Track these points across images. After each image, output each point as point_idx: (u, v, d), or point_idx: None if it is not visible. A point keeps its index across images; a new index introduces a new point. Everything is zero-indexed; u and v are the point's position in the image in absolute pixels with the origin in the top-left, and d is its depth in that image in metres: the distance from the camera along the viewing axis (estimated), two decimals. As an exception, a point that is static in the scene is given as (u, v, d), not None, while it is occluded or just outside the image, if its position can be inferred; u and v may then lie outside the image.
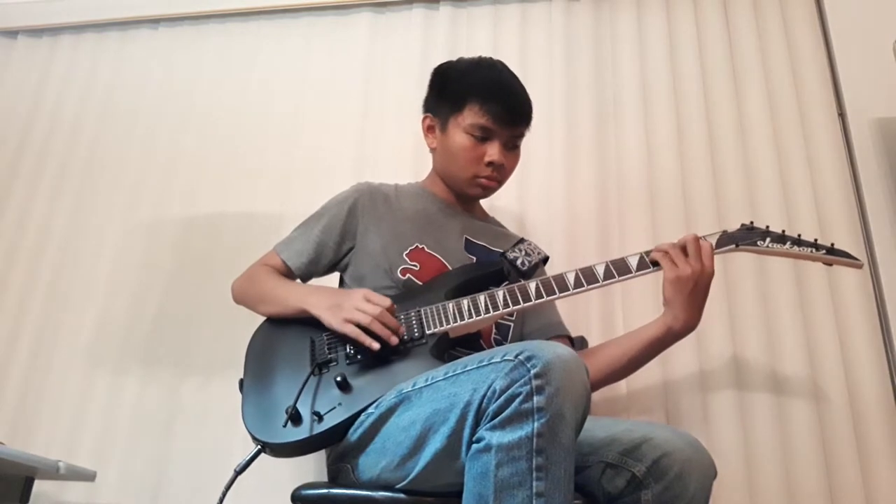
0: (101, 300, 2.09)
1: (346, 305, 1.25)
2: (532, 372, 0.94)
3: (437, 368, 1.11)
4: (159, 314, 2.05)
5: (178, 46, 2.41)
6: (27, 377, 2.03)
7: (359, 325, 1.22)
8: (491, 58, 1.53)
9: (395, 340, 1.23)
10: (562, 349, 0.99)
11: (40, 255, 2.19)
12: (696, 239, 1.28)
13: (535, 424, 0.92)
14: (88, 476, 1.64)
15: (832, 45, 2.04)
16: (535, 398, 0.93)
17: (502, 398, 0.94)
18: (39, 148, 2.34)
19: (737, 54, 2.08)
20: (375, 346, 1.21)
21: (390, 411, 1.12)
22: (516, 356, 0.97)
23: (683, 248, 1.27)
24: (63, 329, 2.08)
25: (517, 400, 0.93)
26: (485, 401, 0.97)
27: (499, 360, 0.99)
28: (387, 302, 1.25)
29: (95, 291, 2.10)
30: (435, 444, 1.02)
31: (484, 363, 1.01)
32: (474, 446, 0.96)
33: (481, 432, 0.96)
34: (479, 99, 1.42)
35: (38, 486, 1.63)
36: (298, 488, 1.17)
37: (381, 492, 1.11)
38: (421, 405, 1.07)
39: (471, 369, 1.03)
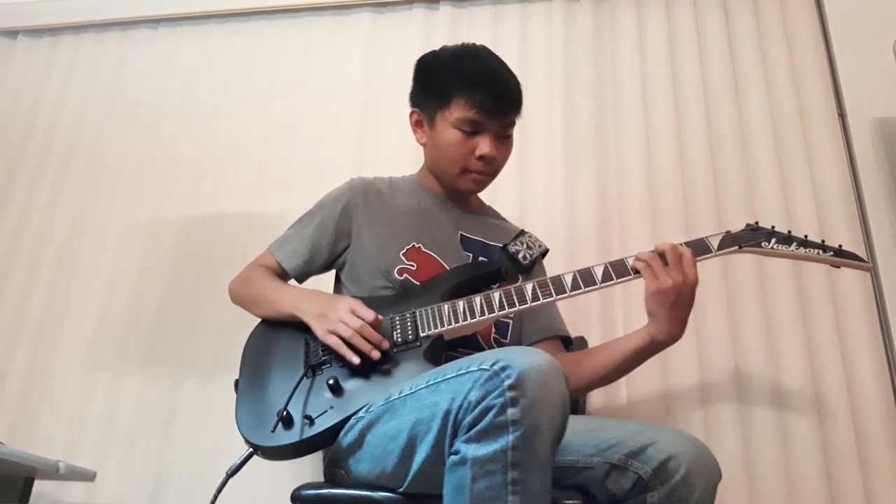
0: (101, 300, 2.09)
1: (331, 316, 1.23)
2: (506, 383, 0.92)
3: (423, 375, 1.09)
4: (159, 314, 2.05)
5: (178, 46, 2.42)
6: (27, 377, 2.03)
7: (341, 337, 1.21)
8: (474, 44, 1.47)
9: (376, 355, 1.20)
10: (539, 357, 0.96)
11: (40, 254, 2.19)
12: (675, 248, 1.22)
13: (510, 437, 0.90)
14: (88, 476, 1.64)
15: (832, 45, 2.04)
16: (510, 410, 0.91)
17: (477, 410, 0.93)
18: (39, 148, 2.34)
19: (737, 54, 2.08)
20: (356, 360, 1.20)
21: (377, 419, 1.11)
22: (491, 365, 0.95)
23: (664, 258, 1.22)
24: (63, 329, 2.08)
25: (491, 412, 0.91)
26: (461, 412, 0.95)
27: (475, 368, 0.97)
28: (370, 316, 1.23)
29: (95, 291, 2.11)
30: (422, 453, 1.01)
31: (462, 372, 0.99)
32: (451, 458, 0.95)
33: (457, 444, 0.94)
34: (465, 92, 1.37)
35: (38, 486, 1.63)
36: (298, 488, 1.16)
37: (381, 492, 1.11)
38: (405, 414, 1.06)
39: (450, 377, 1.01)
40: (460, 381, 0.98)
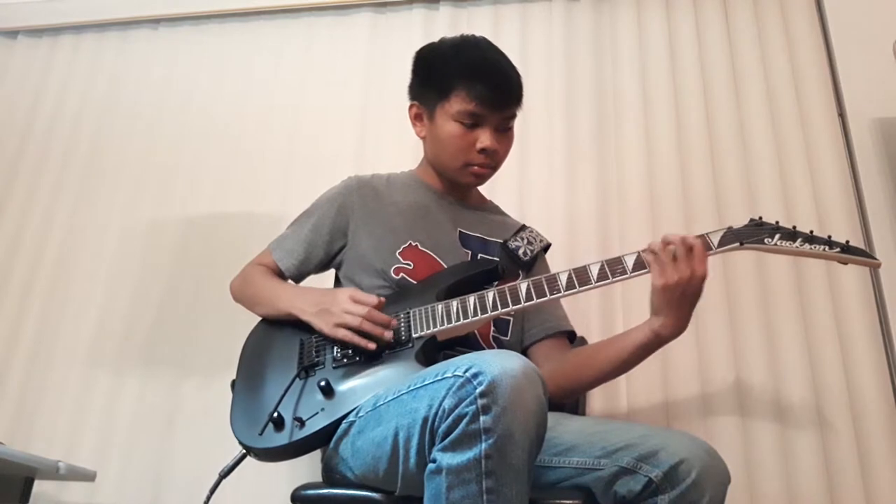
0: (101, 300, 2.09)
1: (334, 310, 1.23)
2: (478, 390, 0.91)
3: (410, 378, 1.08)
4: (159, 314, 2.05)
5: (178, 46, 2.42)
6: (27, 377, 2.03)
7: (350, 328, 1.21)
8: (474, 36, 1.45)
9: (388, 335, 1.21)
10: (512, 362, 0.95)
11: (40, 254, 2.19)
12: (684, 240, 1.17)
13: (483, 446, 0.90)
14: (88, 476, 1.64)
15: (832, 46, 2.04)
16: (482, 418, 0.90)
17: (450, 419, 0.92)
18: (39, 148, 2.34)
19: (737, 54, 2.08)
20: (371, 346, 1.20)
21: (366, 424, 1.11)
22: (465, 372, 0.94)
23: (673, 251, 1.17)
24: (63, 329, 2.08)
25: (464, 421, 0.91)
26: (437, 420, 0.95)
27: (450, 375, 0.96)
28: (373, 300, 1.23)
29: (95, 291, 2.11)
30: (409, 460, 1.01)
31: (438, 378, 0.98)
32: (429, 466, 0.95)
33: (434, 453, 0.94)
34: (465, 84, 1.35)
35: (38, 486, 1.63)
36: (298, 488, 1.16)
37: (380, 493, 1.11)
38: (389, 419, 1.06)
39: (428, 383, 1.00)
40: (437, 387, 0.97)
